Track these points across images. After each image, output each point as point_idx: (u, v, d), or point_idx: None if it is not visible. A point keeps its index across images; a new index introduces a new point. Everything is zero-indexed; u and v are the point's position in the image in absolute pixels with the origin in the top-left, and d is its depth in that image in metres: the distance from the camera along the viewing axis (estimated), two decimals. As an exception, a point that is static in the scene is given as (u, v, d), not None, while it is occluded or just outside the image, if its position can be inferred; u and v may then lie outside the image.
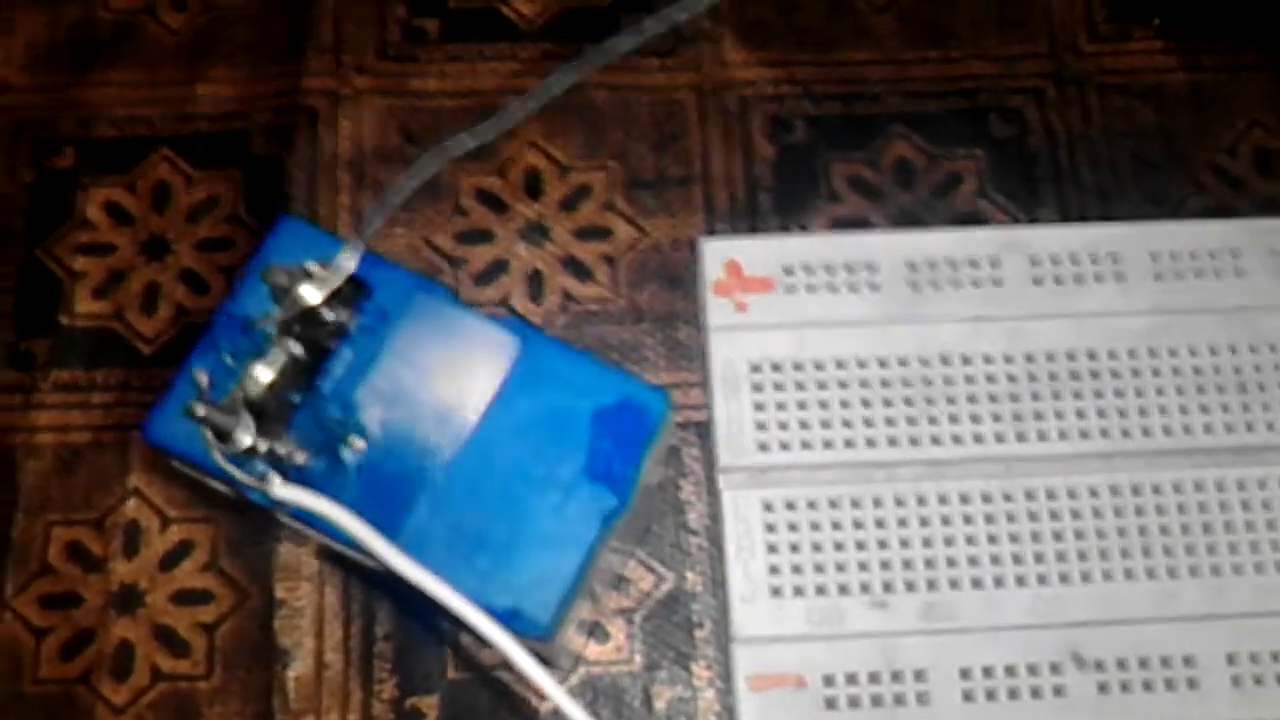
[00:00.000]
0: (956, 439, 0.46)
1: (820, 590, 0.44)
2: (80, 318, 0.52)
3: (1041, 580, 0.45)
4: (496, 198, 0.54)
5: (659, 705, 0.46)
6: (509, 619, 0.30)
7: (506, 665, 0.46)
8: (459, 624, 0.46)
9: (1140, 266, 0.48)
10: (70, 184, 0.54)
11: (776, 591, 0.44)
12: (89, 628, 0.47)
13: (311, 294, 0.32)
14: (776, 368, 0.47)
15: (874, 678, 0.43)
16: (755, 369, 0.47)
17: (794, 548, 0.45)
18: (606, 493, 0.32)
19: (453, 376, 0.33)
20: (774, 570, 0.45)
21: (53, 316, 0.52)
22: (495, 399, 0.33)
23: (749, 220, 0.53)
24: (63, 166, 0.55)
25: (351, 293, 0.34)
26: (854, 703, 0.43)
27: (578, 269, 0.52)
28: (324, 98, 0.55)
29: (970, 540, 0.45)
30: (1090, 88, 0.55)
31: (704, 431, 0.49)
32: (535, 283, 0.52)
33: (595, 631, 0.47)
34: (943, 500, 0.46)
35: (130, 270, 0.53)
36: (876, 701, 0.43)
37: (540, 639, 0.31)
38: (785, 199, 0.53)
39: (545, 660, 0.31)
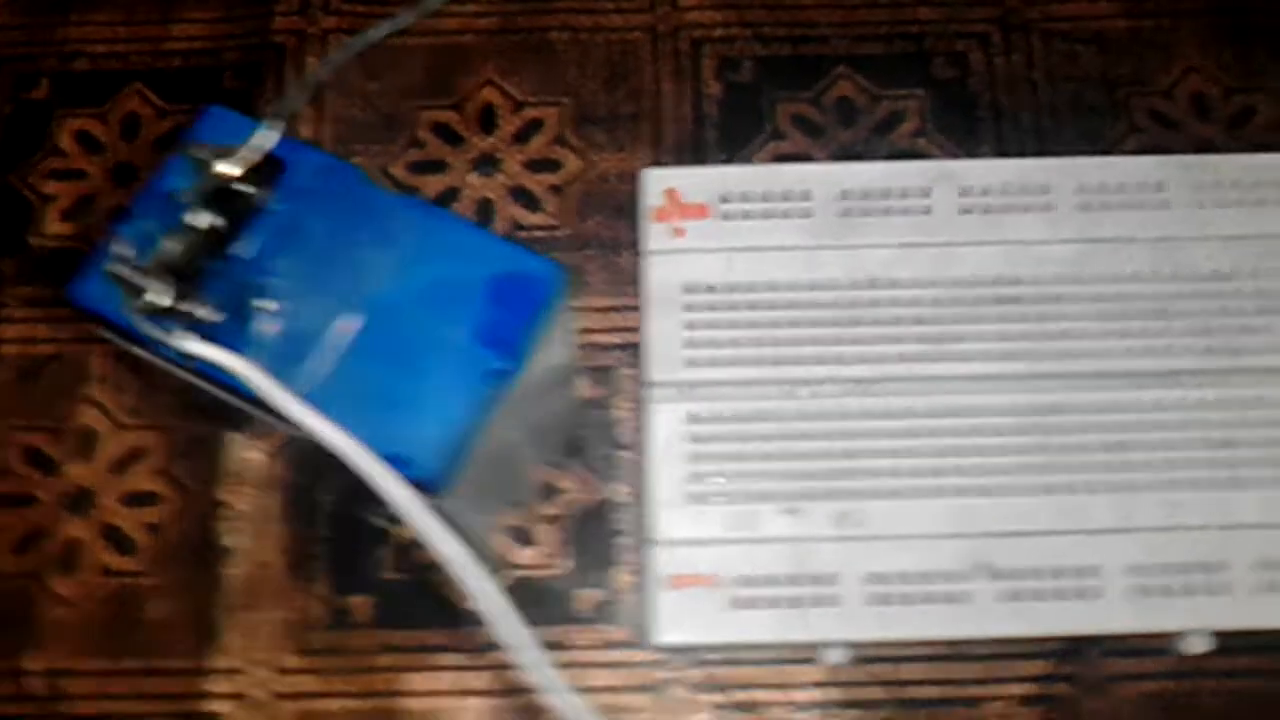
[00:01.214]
0: (880, 358, 0.48)
1: (738, 497, 0.46)
2: (49, 239, 0.54)
3: (956, 492, 0.46)
4: (452, 131, 0.55)
5: (583, 608, 0.47)
6: (399, 466, 0.32)
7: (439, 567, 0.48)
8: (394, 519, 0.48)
9: (1067, 198, 0.50)
10: (45, 115, 0.57)
11: (697, 498, 0.46)
12: (41, 527, 0.49)
13: (228, 167, 0.34)
14: (710, 289, 0.49)
15: (788, 579, 0.45)
16: (688, 290, 0.49)
17: (715, 457, 0.46)
18: (495, 355, 0.33)
19: (358, 247, 0.34)
20: (695, 478, 0.46)
21: (23, 237, 0.54)
22: (396, 268, 0.34)
23: (695, 155, 0.54)
24: (38, 98, 0.57)
25: (269, 170, 0.35)
26: (766, 603, 0.44)
27: (526, 198, 0.54)
28: (292, 36, 0.57)
29: (889, 453, 0.46)
30: (1035, 33, 0.56)
31: (639, 352, 0.50)
32: (484, 210, 0.54)
33: (523, 537, 0.48)
34: (865, 415, 0.47)
35: (98, 194, 0.55)
36: (791, 603, 0.44)
37: (428, 485, 0.33)
38: (730, 135, 0.55)
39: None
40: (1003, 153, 0.53)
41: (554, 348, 0.37)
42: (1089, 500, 0.46)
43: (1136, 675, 0.46)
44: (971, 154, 0.53)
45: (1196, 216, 0.50)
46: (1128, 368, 0.47)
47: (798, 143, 0.54)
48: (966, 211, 0.50)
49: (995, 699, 0.45)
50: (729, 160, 0.54)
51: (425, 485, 0.33)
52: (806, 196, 0.50)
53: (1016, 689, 0.45)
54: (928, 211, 0.50)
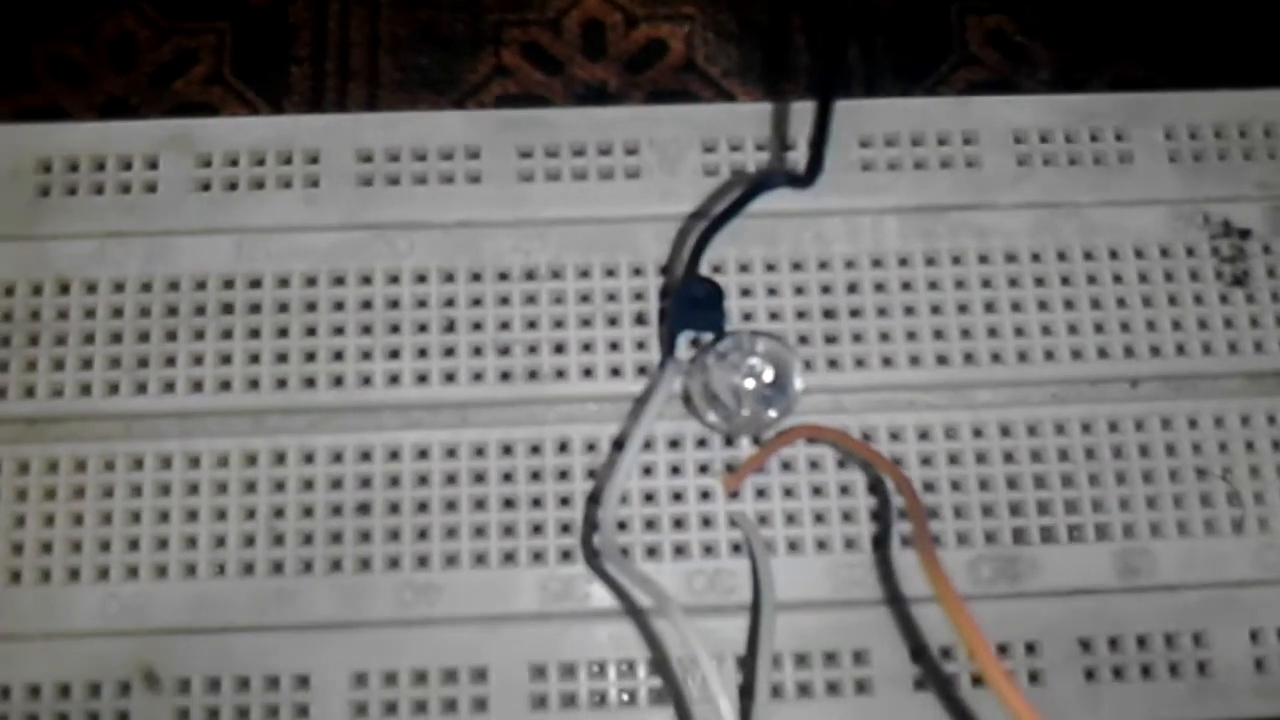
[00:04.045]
0: (57, 391, 0.35)
1: None
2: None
3: (127, 574, 0.34)
4: None
5: None
6: None
7: None
8: None
9: (341, 167, 0.37)
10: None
11: None
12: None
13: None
14: None
15: None
16: None
17: None
18: None
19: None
20: None
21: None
22: None
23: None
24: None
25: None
26: None
27: None
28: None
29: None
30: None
31: None
32: None
33: None
34: (24, 469, 0.35)
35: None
36: None
37: None
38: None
39: None
40: (318, 103, 0.41)
41: None
42: (307, 585, 0.34)
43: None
44: (278, 106, 0.41)
45: (514, 193, 0.37)
46: (401, 399, 0.35)
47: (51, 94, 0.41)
48: (203, 188, 0.37)
49: None
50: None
51: None
52: (-9, 169, 0.37)
53: None
54: (153, 188, 0.37)
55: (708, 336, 0.34)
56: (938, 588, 0.25)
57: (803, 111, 0.37)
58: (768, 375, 0.32)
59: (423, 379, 0.36)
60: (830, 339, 0.36)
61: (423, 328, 0.36)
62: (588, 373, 0.36)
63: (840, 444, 0.33)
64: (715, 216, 0.32)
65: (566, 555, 0.34)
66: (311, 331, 0.36)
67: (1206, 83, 0.38)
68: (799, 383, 0.32)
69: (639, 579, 0.29)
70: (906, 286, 0.36)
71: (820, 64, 0.38)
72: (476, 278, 0.36)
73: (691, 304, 0.33)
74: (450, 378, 0.36)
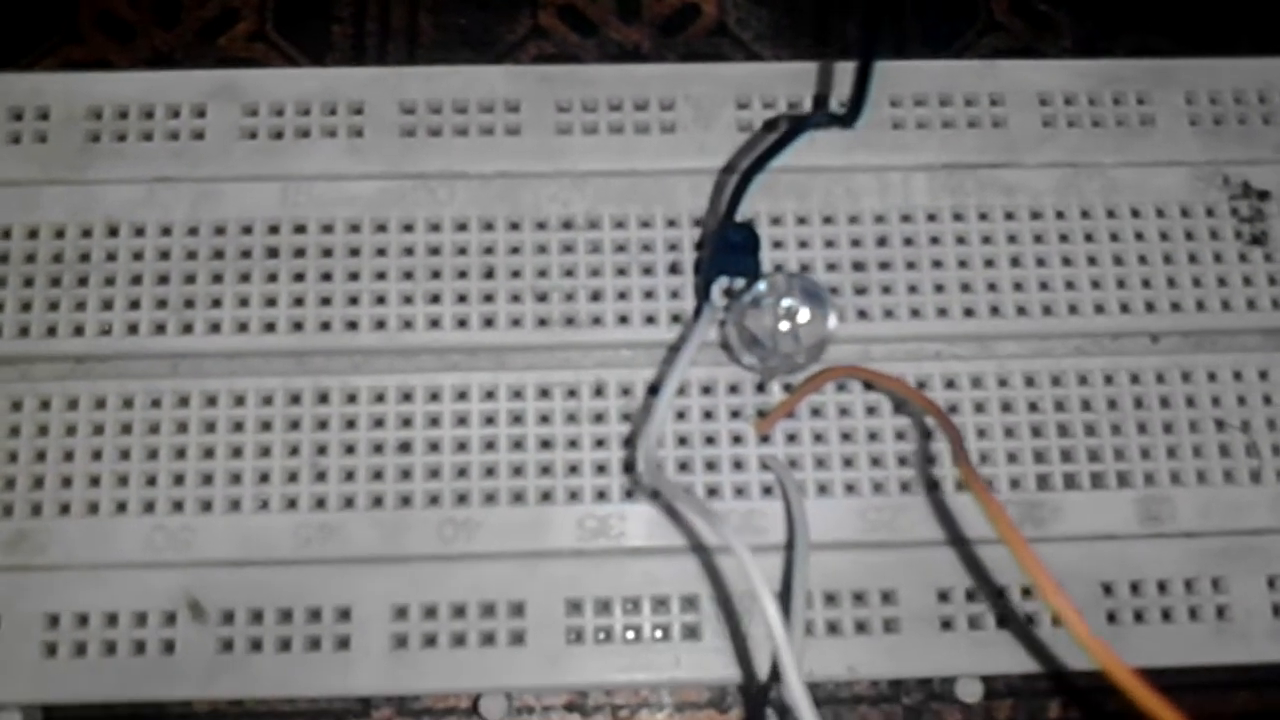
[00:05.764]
0: (105, 329, 0.36)
1: None
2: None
3: (173, 506, 0.35)
4: None
5: None
6: None
7: None
8: None
9: (384, 118, 0.38)
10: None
11: None
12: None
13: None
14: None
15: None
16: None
17: None
18: None
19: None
20: None
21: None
22: None
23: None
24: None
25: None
26: None
27: None
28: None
29: (92, 454, 0.35)
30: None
31: None
32: None
33: None
34: (72, 406, 0.36)
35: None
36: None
37: None
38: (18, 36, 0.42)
39: None
40: (361, 60, 0.42)
41: None
42: (344, 519, 0.35)
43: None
44: (319, 62, 0.42)
45: (552, 145, 0.38)
46: (441, 342, 0.36)
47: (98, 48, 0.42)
48: (249, 136, 0.38)
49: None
50: (31, 67, 0.42)
51: None
52: (44, 115, 0.38)
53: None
54: (200, 136, 0.38)
55: (741, 283, 0.35)
56: (979, 496, 0.26)
57: (835, 71, 0.38)
58: (803, 316, 0.33)
59: (462, 324, 0.36)
60: (860, 290, 0.37)
61: (463, 274, 0.37)
62: (623, 320, 0.37)
63: (869, 380, 0.34)
64: (758, 155, 0.33)
65: (602, 495, 0.35)
66: (355, 276, 0.37)
67: (1227, 53, 0.39)
68: (833, 322, 0.33)
69: (687, 499, 0.30)
70: (935, 241, 0.37)
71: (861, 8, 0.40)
72: (515, 227, 0.37)
73: (728, 248, 0.34)
74: (489, 323, 0.36)
